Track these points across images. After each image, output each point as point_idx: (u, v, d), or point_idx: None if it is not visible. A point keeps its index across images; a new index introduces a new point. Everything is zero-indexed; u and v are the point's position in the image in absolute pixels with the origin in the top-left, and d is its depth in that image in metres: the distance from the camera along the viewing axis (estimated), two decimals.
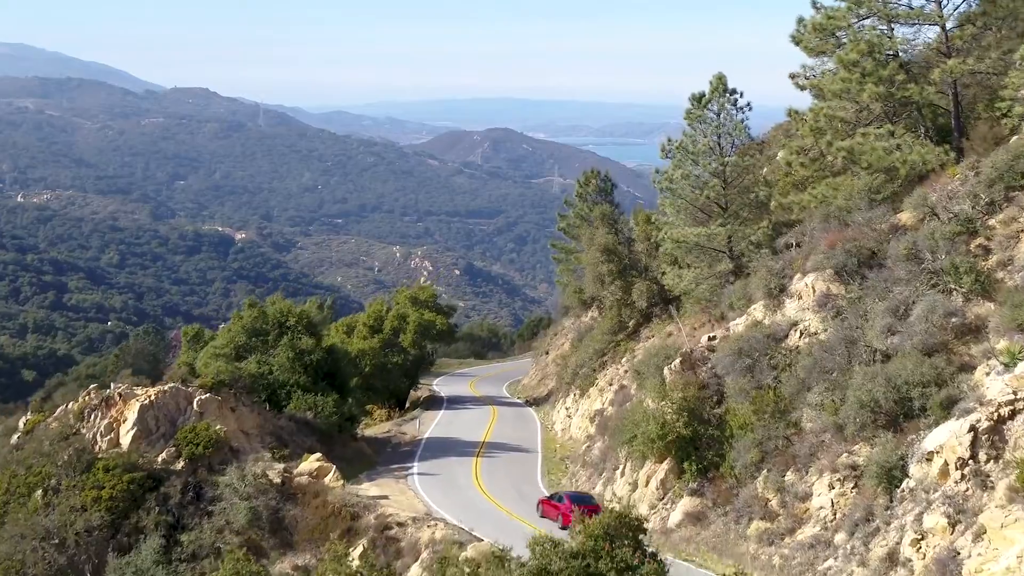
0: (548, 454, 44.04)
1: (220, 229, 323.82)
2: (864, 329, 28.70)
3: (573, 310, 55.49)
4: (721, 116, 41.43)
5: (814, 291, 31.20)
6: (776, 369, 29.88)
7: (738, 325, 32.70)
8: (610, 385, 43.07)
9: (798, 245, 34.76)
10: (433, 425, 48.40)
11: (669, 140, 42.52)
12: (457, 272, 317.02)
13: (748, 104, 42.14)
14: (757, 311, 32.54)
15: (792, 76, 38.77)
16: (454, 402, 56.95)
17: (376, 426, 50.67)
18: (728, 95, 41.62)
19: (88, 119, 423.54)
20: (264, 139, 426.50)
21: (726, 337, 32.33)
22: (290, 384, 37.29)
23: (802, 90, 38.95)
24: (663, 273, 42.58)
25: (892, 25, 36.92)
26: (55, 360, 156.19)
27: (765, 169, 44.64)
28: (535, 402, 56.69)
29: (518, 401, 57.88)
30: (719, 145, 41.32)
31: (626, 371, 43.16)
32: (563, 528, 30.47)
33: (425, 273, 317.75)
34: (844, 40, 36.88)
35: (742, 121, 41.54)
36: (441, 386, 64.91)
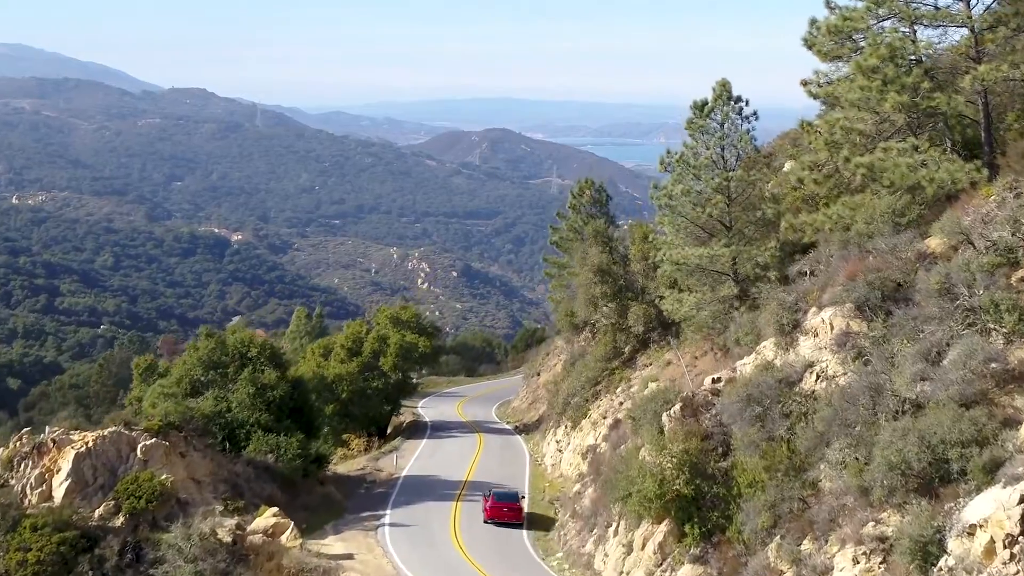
0: (536, 494, 40.04)
1: (217, 231, 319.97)
2: (891, 375, 24.81)
3: (564, 333, 51.62)
4: (725, 126, 37.51)
5: (832, 328, 27.30)
6: (790, 418, 25.96)
7: (746, 365, 28.76)
8: (604, 418, 39.23)
9: (812, 274, 30.84)
10: (413, 459, 44.27)
11: (668, 152, 38.65)
12: (455, 273, 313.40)
13: (755, 113, 38.26)
14: (767, 349, 28.63)
15: (804, 83, 34.83)
16: (438, 429, 53.02)
17: (352, 460, 46.59)
18: (733, 103, 37.71)
19: (85, 120, 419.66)
20: (261, 140, 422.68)
21: (732, 379, 28.40)
22: (250, 423, 33.21)
23: (815, 98, 35.09)
24: (661, 297, 38.68)
25: (915, 27, 33.03)
26: (41, 367, 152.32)
27: (771, 183, 40.74)
28: (525, 429, 52.76)
29: (507, 427, 54.04)
30: (723, 158, 37.41)
31: (621, 403, 39.34)
32: (485, 521, 37.27)
33: (422, 275, 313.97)
34: (862, 44, 32.98)
35: (748, 132, 37.64)
36: (427, 408, 61.01)
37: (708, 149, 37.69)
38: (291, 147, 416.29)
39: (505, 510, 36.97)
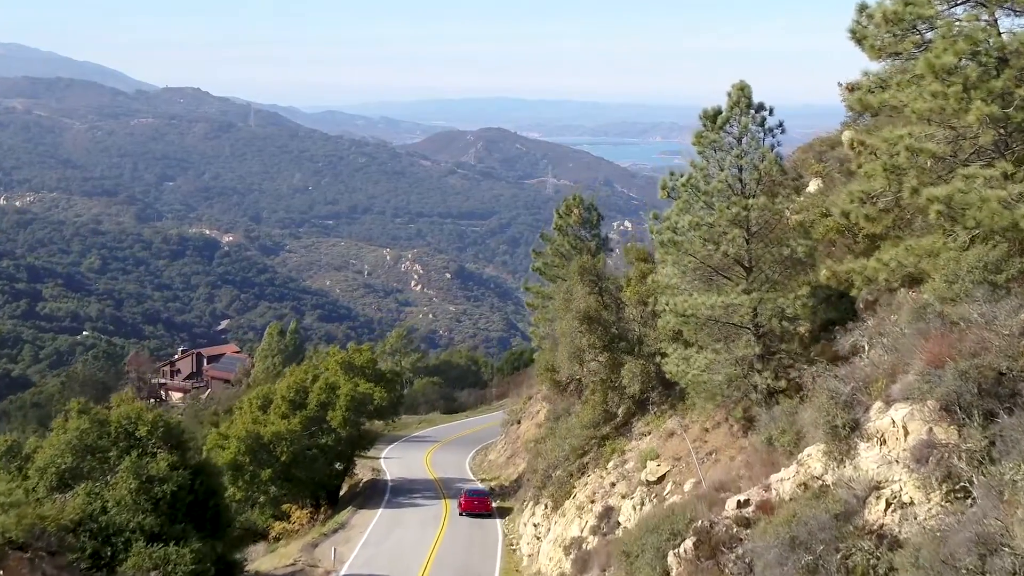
0: None
1: (207, 232, 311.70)
2: (1006, 520, 16.67)
3: (545, 391, 42.79)
4: (744, 141, 29.09)
5: (907, 434, 19.02)
6: (854, 575, 17.89)
7: (784, 481, 20.47)
8: (591, 502, 31.03)
9: (868, 345, 22.58)
10: (359, 546, 35.16)
11: (672, 175, 30.37)
12: (448, 275, 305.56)
13: (780, 124, 29.86)
14: (814, 459, 20.33)
15: (851, 88, 26.48)
16: (400, 492, 44.41)
17: (288, 544, 37.94)
18: (753, 112, 29.26)
19: (77, 119, 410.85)
20: (255, 139, 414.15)
21: (766, 503, 20.15)
22: (130, 530, 24.98)
23: (865, 111, 26.79)
24: (663, 354, 30.36)
25: (995, 14, 24.74)
26: (8, 381, 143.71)
27: (794, 209, 32.28)
28: (500, 494, 44.36)
29: (481, 488, 45.63)
30: (741, 181, 29.01)
31: (613, 483, 31.13)
32: (461, 514, 42.28)
33: (416, 276, 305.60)
34: (929, 35, 24.64)
35: (772, 148, 29.27)
36: (391, 459, 52.48)
37: (722, 170, 29.29)
38: (285, 147, 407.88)
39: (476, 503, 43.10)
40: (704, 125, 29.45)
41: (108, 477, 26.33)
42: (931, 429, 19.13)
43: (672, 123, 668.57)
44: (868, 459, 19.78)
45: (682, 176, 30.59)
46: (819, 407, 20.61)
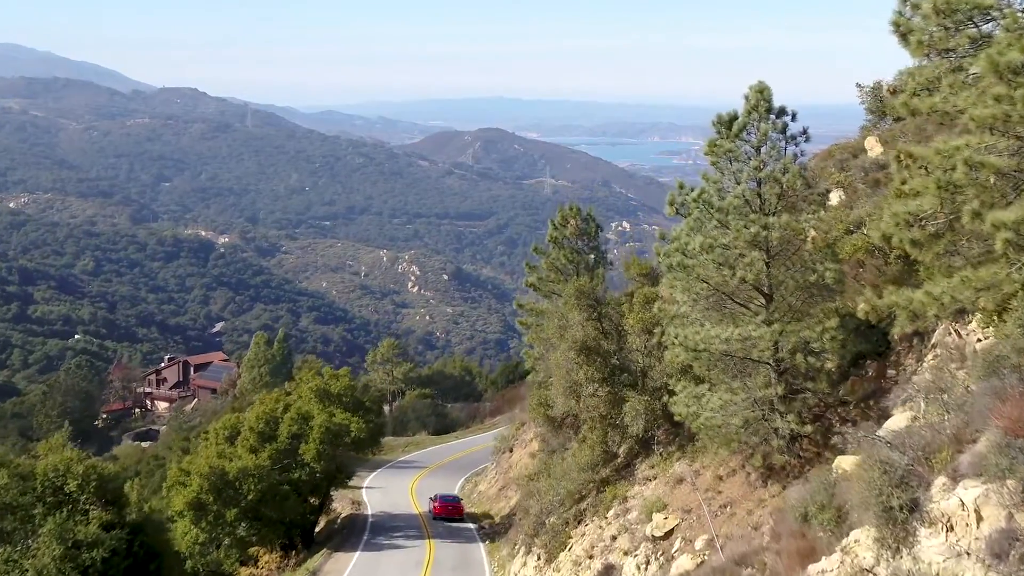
0: None
1: (203, 233, 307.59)
2: None
3: (539, 428, 38.41)
4: (763, 151, 25.29)
5: (980, 520, 15.27)
6: None
7: (826, 574, 16.69)
8: (590, 558, 27.19)
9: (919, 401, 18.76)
10: None
11: (681, 188, 26.65)
12: (446, 276, 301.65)
13: (804, 132, 26.09)
14: (863, 547, 16.51)
15: (893, 91, 22.75)
16: (380, 531, 40.18)
17: None
18: (774, 118, 25.46)
19: (73, 120, 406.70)
20: (251, 140, 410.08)
21: None
22: None
23: (910, 114, 22.94)
24: (671, 391, 26.53)
25: None
26: None
27: (812, 227, 28.53)
28: (490, 533, 40.32)
29: (468, 526, 41.75)
30: (760, 197, 25.22)
31: (614, 537, 27.34)
32: (434, 518, 44.83)
33: (413, 278, 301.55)
34: (986, 28, 20.81)
35: (795, 159, 25.52)
36: (375, 487, 48.43)
37: (739, 184, 25.50)
38: (282, 147, 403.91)
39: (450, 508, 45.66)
40: (718, 132, 25.59)
41: (30, 541, 22.51)
42: (1011, 515, 15.23)
43: (670, 123, 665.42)
44: (931, 549, 15.89)
45: (692, 190, 26.79)
46: (869, 483, 16.70)
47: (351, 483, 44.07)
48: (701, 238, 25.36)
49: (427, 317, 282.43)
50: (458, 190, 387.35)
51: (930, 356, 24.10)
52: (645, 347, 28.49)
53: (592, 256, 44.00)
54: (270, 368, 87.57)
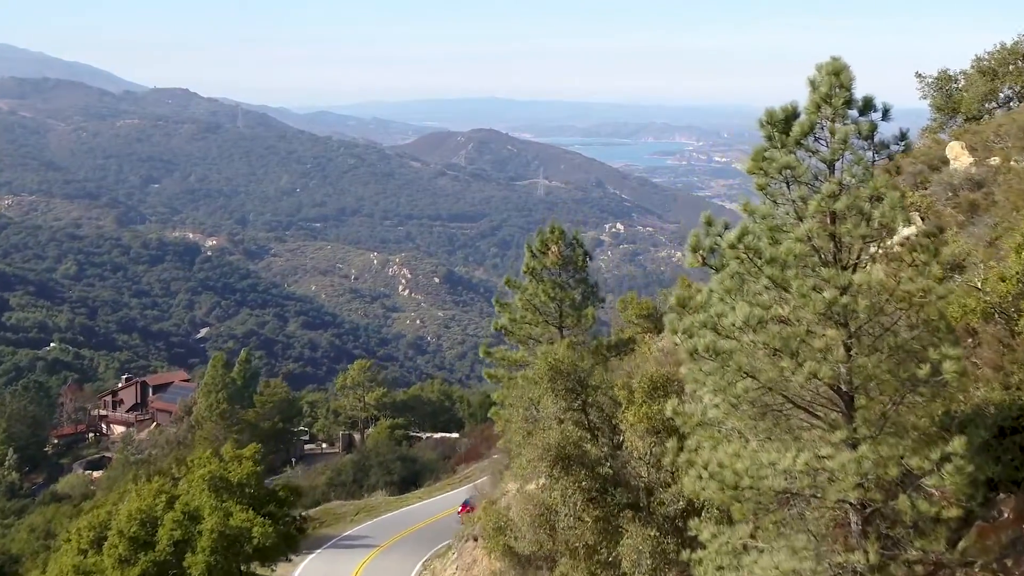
0: None
1: (191, 235, 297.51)
2: None
3: (500, 562, 27.63)
4: (840, 169, 15.39)
5: None
6: None
7: None
8: None
9: None
10: None
11: (710, 224, 16.88)
12: (437, 280, 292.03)
13: (903, 136, 16.25)
14: None
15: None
16: None
17: None
18: (856, 115, 15.45)
19: (62, 120, 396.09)
20: (242, 140, 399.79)
21: None
22: None
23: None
24: (695, 543, 16.89)
25: None
26: None
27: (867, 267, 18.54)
28: None
29: None
30: (836, 240, 15.48)
31: None
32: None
33: (403, 281, 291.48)
34: None
35: (894, 187, 15.72)
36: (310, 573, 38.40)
37: (802, 220, 15.57)
38: (272, 148, 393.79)
39: None
40: (768, 138, 15.60)
41: None
42: None
43: (664, 123, 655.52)
44: None
45: (728, 228, 16.93)
46: None
47: (279, 571, 34.25)
48: (745, 308, 15.49)
49: (418, 321, 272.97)
50: (451, 191, 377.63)
51: None
52: (651, 453, 18.88)
53: (579, 292, 34.27)
54: (229, 393, 77.84)
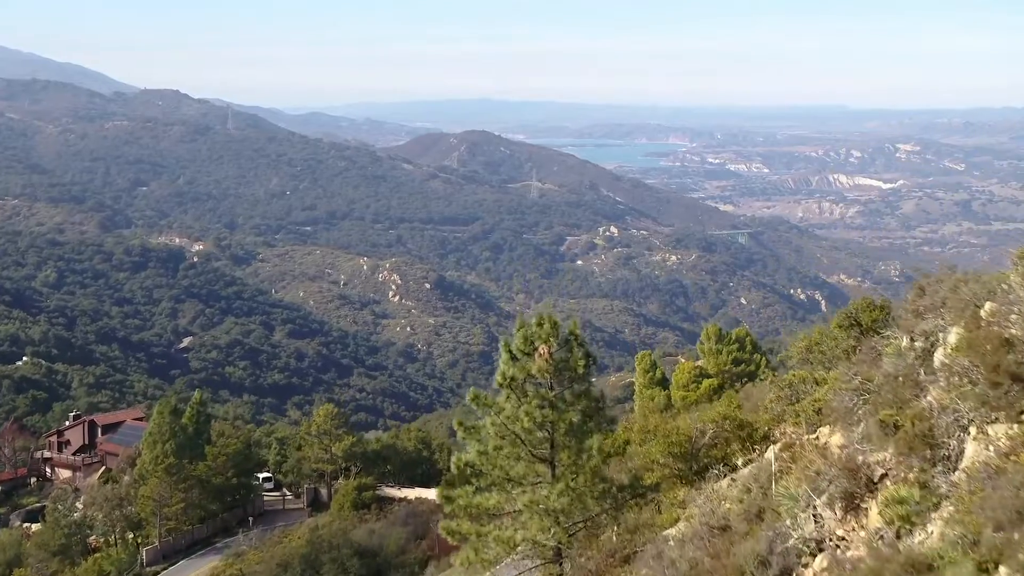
0: None
1: (177, 240, 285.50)
2: None
3: None
4: None
5: None
6: None
7: None
8: None
9: None
10: None
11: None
12: (428, 285, 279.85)
13: None
14: None
15: None
16: None
17: None
18: None
19: (50, 122, 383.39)
20: (232, 143, 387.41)
21: None
22: None
23: None
24: None
25: None
26: None
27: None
28: None
29: None
30: None
31: None
32: None
33: (394, 287, 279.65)
34: None
35: None
36: None
37: None
38: (262, 150, 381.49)
39: None
40: None
41: None
42: None
43: (657, 124, 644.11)
44: None
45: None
46: None
47: None
48: None
49: (408, 328, 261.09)
50: (442, 194, 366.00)
51: None
52: None
53: (578, 410, 23.29)
54: (177, 445, 66.66)
